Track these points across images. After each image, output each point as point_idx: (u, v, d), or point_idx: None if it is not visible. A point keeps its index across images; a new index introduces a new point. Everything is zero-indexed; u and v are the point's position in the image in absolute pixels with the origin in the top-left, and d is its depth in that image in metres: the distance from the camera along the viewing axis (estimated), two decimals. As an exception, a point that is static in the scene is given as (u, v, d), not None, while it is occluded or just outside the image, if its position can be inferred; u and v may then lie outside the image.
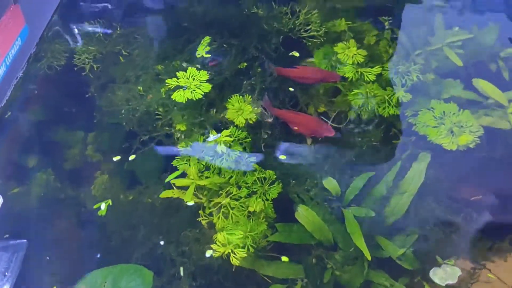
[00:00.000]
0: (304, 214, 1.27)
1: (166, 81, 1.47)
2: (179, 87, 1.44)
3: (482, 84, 1.51)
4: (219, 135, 1.37)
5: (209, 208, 1.26)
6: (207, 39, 1.58)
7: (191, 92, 1.42)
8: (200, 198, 1.29)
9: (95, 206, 1.32)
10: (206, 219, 1.25)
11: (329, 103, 1.48)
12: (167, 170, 1.35)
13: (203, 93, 1.43)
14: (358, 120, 1.45)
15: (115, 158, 1.37)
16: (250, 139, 1.33)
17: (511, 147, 1.41)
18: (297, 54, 1.56)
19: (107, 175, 1.36)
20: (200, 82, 1.45)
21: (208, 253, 1.21)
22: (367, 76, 1.43)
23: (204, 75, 1.47)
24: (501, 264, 1.24)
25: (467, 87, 1.55)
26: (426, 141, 1.40)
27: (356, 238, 1.21)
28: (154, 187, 1.32)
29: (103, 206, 1.31)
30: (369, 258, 1.19)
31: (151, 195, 1.31)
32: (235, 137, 1.33)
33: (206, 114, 1.41)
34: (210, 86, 1.45)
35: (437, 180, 1.34)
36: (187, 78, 1.45)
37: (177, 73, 1.48)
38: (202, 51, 1.57)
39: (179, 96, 1.41)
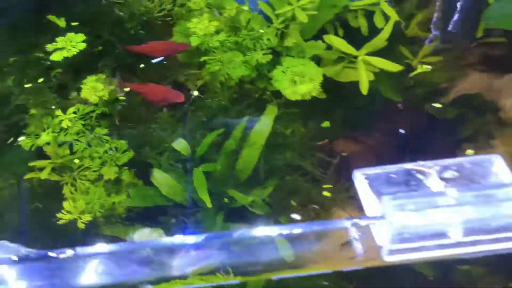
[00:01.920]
0: (158, 177, 1.34)
1: (46, 46, 1.59)
2: (58, 49, 1.59)
3: (333, 40, 1.61)
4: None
5: (66, 184, 1.33)
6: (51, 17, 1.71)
7: (67, 51, 1.57)
8: (63, 176, 1.35)
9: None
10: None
11: (190, 74, 1.58)
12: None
13: (78, 51, 1.57)
14: (215, 85, 1.54)
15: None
16: (96, 112, 1.42)
17: (354, 95, 1.54)
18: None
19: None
20: (76, 42, 1.59)
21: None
22: (211, 42, 1.52)
23: (81, 36, 1.60)
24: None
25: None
26: (277, 95, 1.51)
27: (201, 192, 1.29)
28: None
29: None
30: (209, 206, 1.26)
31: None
32: (84, 113, 1.41)
33: (59, 97, 1.49)
34: (85, 44, 1.59)
35: (286, 129, 1.44)
36: (65, 41, 1.60)
37: (56, 38, 1.61)
38: (63, 23, 1.70)
39: (56, 56, 1.57)
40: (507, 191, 0.75)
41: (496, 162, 0.80)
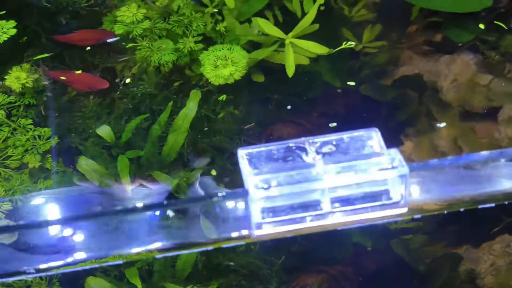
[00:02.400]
0: (84, 163, 1.35)
1: None
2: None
3: (260, 23, 1.62)
4: None
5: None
6: None
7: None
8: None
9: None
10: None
11: (122, 61, 1.59)
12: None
13: (9, 36, 1.56)
14: (147, 72, 1.55)
15: None
16: (20, 102, 1.43)
17: (282, 79, 1.56)
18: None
19: None
20: (8, 29, 1.58)
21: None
22: (136, 31, 1.53)
23: (12, 23, 1.59)
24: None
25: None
26: (205, 80, 1.53)
27: (123, 176, 1.30)
28: None
29: None
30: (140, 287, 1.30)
31: None
32: (4, 103, 1.42)
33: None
34: (16, 30, 1.57)
35: (215, 114, 1.47)
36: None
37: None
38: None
39: None
40: (375, 161, 0.78)
41: (374, 136, 0.82)
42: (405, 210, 0.74)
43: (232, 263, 1.34)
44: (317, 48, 1.61)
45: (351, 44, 1.62)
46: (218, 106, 1.52)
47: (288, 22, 1.75)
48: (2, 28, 1.60)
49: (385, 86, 1.71)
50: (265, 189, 0.73)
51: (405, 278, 1.51)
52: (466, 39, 1.77)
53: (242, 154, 0.82)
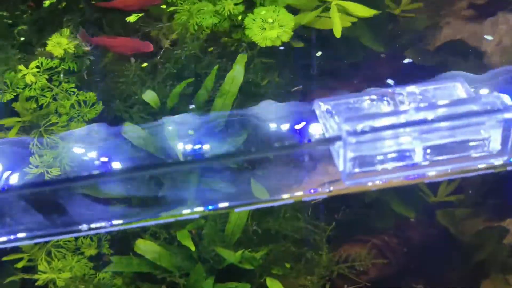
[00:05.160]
0: (130, 129, 1.32)
1: None
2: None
3: (304, -16, 1.58)
4: None
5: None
6: None
7: None
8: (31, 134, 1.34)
9: None
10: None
11: (161, 27, 1.55)
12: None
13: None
14: (186, 37, 1.51)
15: None
16: (62, 67, 1.39)
17: (332, 44, 1.52)
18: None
19: None
20: None
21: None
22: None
23: None
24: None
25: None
26: (253, 46, 1.48)
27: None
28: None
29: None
30: (193, 249, 1.27)
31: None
32: (47, 67, 1.39)
33: (24, 53, 1.46)
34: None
35: (260, 78, 1.43)
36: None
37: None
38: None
39: None
40: (471, 107, 0.74)
41: (459, 86, 0.78)
42: (505, 159, 0.70)
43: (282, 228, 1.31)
44: (364, 11, 1.55)
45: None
46: (262, 70, 1.48)
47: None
48: None
49: (428, 50, 1.66)
50: (359, 133, 0.69)
51: (450, 249, 1.47)
52: (511, -1, 1.71)
53: (320, 104, 0.78)
